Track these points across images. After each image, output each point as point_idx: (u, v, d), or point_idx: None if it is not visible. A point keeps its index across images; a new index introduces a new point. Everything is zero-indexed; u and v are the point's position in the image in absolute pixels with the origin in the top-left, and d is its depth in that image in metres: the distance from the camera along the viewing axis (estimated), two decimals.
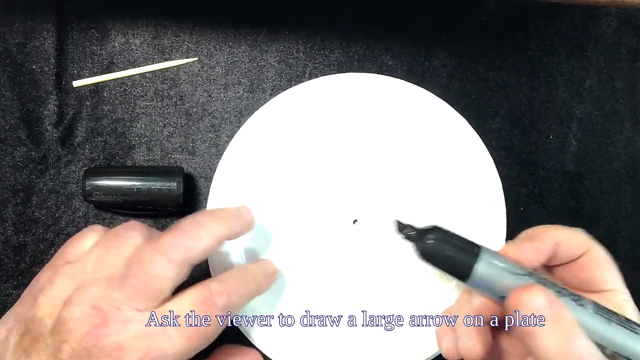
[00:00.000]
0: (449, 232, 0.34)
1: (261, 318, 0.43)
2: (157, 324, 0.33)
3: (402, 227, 0.34)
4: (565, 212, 0.48)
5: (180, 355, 0.33)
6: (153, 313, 0.33)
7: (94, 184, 0.42)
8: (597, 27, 0.49)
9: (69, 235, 0.44)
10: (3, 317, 0.36)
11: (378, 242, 0.44)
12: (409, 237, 0.34)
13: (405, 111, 0.45)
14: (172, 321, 0.33)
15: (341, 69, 0.47)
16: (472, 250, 0.32)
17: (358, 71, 0.47)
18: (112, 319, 0.32)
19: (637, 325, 0.31)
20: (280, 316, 0.44)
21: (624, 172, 0.48)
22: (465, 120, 0.44)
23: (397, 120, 0.45)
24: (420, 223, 0.43)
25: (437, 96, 0.44)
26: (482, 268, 0.32)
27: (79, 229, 0.42)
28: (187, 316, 0.33)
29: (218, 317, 0.34)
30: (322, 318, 0.44)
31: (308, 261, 0.44)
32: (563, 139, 0.48)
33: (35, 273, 0.44)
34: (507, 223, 0.44)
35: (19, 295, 0.44)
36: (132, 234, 0.35)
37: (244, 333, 0.42)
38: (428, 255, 0.33)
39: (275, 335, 0.43)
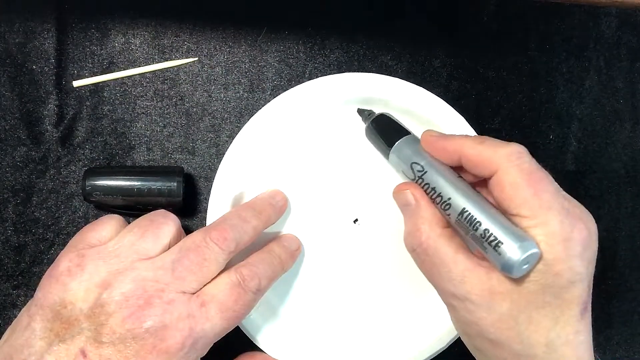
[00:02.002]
0: (390, 119, 0.39)
1: (263, 318, 0.43)
2: (198, 306, 0.34)
3: (361, 110, 0.41)
4: None
5: (217, 335, 0.36)
6: (195, 295, 0.35)
7: (94, 184, 0.42)
8: (597, 27, 0.49)
9: (69, 235, 0.44)
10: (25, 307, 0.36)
11: (379, 242, 0.44)
12: (361, 115, 0.40)
13: (405, 111, 0.45)
14: (211, 303, 0.35)
15: (341, 69, 0.47)
16: (398, 134, 0.37)
17: (358, 71, 0.47)
18: (156, 300, 0.34)
19: (490, 242, 0.31)
20: (282, 316, 0.44)
21: (624, 172, 0.48)
22: (465, 120, 0.44)
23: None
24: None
25: (437, 96, 0.44)
26: (394, 152, 0.37)
27: (78, 229, 0.42)
28: (224, 298, 0.35)
29: (250, 299, 0.37)
30: (322, 318, 0.44)
31: (309, 261, 0.44)
32: (563, 139, 0.48)
33: (35, 273, 0.44)
34: None
35: (19, 295, 0.44)
36: (166, 221, 0.37)
37: (246, 334, 0.42)
38: (367, 133, 0.39)
39: (277, 335, 0.43)
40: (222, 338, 0.36)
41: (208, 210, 0.43)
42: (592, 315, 0.34)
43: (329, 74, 0.46)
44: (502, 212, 0.32)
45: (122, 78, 0.46)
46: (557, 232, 0.30)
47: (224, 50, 0.46)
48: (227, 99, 0.46)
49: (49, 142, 0.45)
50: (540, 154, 0.48)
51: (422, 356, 0.43)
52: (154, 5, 0.46)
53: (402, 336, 0.44)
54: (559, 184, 0.47)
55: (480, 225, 0.31)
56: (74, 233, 0.39)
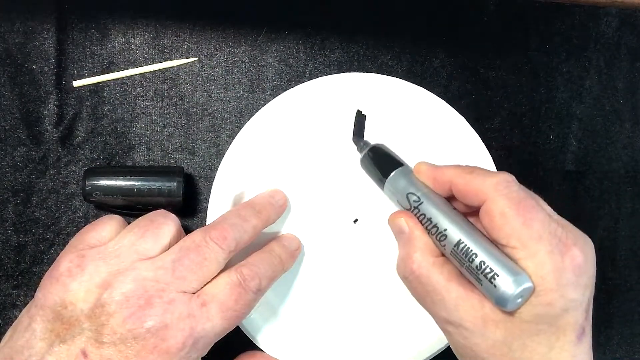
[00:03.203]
0: (384, 151, 0.39)
1: (263, 318, 0.43)
2: (199, 305, 0.34)
3: (356, 140, 0.42)
4: (565, 212, 0.48)
5: (218, 335, 0.36)
6: (195, 295, 0.35)
7: (94, 184, 0.42)
8: (597, 27, 0.49)
9: (69, 235, 0.44)
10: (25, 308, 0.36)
11: (379, 242, 0.44)
12: (357, 145, 0.41)
13: (405, 111, 0.45)
14: (212, 303, 0.35)
15: (341, 69, 0.47)
16: (393, 165, 0.37)
17: (358, 71, 0.47)
18: (156, 300, 0.34)
19: (486, 275, 0.31)
20: (282, 316, 0.44)
21: (624, 172, 0.48)
22: (465, 120, 0.44)
23: (397, 120, 0.45)
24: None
25: (437, 96, 0.44)
26: (388, 184, 0.37)
27: (78, 229, 0.42)
28: (224, 298, 0.35)
29: (251, 299, 0.36)
30: (322, 318, 0.44)
31: (309, 261, 0.44)
32: (563, 139, 0.48)
33: (36, 273, 0.44)
34: None
35: (19, 295, 0.44)
36: (166, 221, 0.37)
37: (246, 334, 0.42)
38: (362, 163, 0.40)
39: (277, 335, 0.43)
40: (222, 338, 0.36)
41: (208, 210, 0.43)
42: (592, 315, 0.34)
43: (329, 74, 0.46)
44: (493, 243, 0.32)
45: (122, 78, 0.46)
46: (547, 263, 0.30)
47: (224, 50, 0.46)
48: (227, 99, 0.46)
49: (49, 142, 0.45)
50: (540, 154, 0.48)
51: (422, 356, 0.43)
52: (154, 5, 0.46)
53: (402, 336, 0.44)
54: (559, 184, 0.48)
55: (475, 257, 0.32)
56: (74, 233, 0.39)
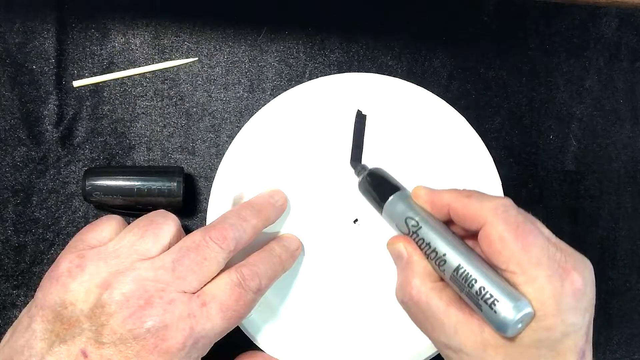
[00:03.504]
0: (382, 175, 0.39)
1: (263, 318, 0.43)
2: (199, 305, 0.34)
3: (354, 164, 0.43)
4: (565, 212, 0.48)
5: (218, 335, 0.36)
6: (195, 294, 0.35)
7: (94, 184, 0.42)
8: (597, 27, 0.49)
9: (69, 235, 0.44)
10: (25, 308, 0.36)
11: (379, 242, 0.44)
12: (354, 169, 0.41)
13: (405, 111, 0.45)
14: (212, 303, 0.35)
15: (341, 69, 0.47)
16: (389, 191, 0.37)
17: (358, 71, 0.47)
18: (156, 300, 0.34)
19: (486, 300, 0.31)
20: (282, 316, 0.44)
21: (624, 172, 0.48)
22: (465, 120, 0.44)
23: (397, 120, 0.45)
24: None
25: (437, 96, 0.44)
26: (386, 208, 0.37)
27: (78, 229, 0.42)
28: (224, 298, 0.35)
29: (251, 299, 0.36)
30: (323, 318, 0.44)
31: (309, 261, 0.44)
32: (563, 139, 0.48)
33: (36, 273, 0.44)
34: None
35: (19, 295, 0.44)
36: (166, 221, 0.37)
37: (246, 334, 0.42)
38: (360, 187, 0.40)
39: (277, 335, 0.43)
40: (222, 338, 0.36)
41: (208, 210, 0.43)
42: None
43: (329, 74, 0.46)
44: (493, 268, 0.32)
45: (122, 78, 0.46)
46: (547, 288, 0.30)
47: (224, 50, 0.46)
48: (227, 99, 0.46)
49: (49, 142, 0.45)
50: (540, 154, 0.48)
51: (422, 356, 0.43)
52: (154, 5, 0.46)
53: (401, 336, 0.44)
54: (559, 184, 0.48)
55: (475, 282, 0.31)
56: (74, 233, 0.39)
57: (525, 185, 0.47)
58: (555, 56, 0.48)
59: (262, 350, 0.43)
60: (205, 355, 0.36)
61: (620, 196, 0.48)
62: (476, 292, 0.31)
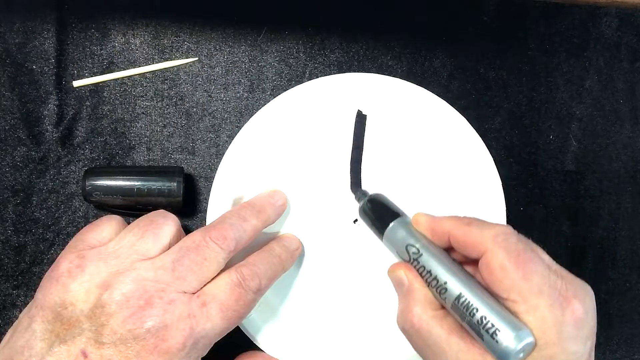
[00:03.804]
0: (382, 201, 0.39)
1: (263, 318, 0.43)
2: (199, 305, 0.34)
3: (355, 189, 0.43)
4: (565, 212, 0.48)
5: (218, 335, 0.36)
6: (195, 295, 0.35)
7: (94, 184, 0.42)
8: (597, 27, 0.49)
9: (69, 235, 0.44)
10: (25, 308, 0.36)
11: (378, 242, 0.44)
12: (355, 194, 0.41)
13: (405, 111, 0.45)
14: (212, 303, 0.35)
15: (341, 69, 0.47)
16: (390, 217, 0.37)
17: (358, 71, 0.47)
18: (156, 300, 0.34)
19: (487, 330, 0.31)
20: (282, 316, 0.44)
21: (624, 172, 0.48)
22: (465, 120, 0.44)
23: (397, 120, 0.45)
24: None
25: (437, 96, 0.44)
26: (387, 235, 0.37)
27: (78, 229, 0.42)
28: (224, 298, 0.35)
29: (251, 299, 0.36)
30: (323, 318, 0.44)
31: (309, 261, 0.44)
32: (563, 139, 0.48)
33: (36, 273, 0.44)
34: (507, 223, 0.44)
35: (19, 295, 0.44)
36: (166, 221, 0.37)
37: (246, 334, 0.42)
38: (360, 213, 0.40)
39: (277, 335, 0.43)
40: (222, 338, 0.36)
41: (208, 210, 0.43)
42: None
43: (329, 74, 0.46)
44: (494, 296, 0.32)
45: (122, 78, 0.46)
46: (548, 317, 0.30)
47: (224, 50, 0.46)
48: (227, 99, 0.46)
49: (49, 142, 0.45)
50: (540, 154, 0.48)
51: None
52: (154, 5, 0.46)
53: (402, 336, 0.44)
54: (559, 184, 0.48)
55: (477, 311, 0.31)
56: (74, 233, 0.39)
57: (525, 185, 0.47)
58: (555, 56, 0.48)
59: (262, 350, 0.43)
60: (205, 355, 0.36)
61: (620, 196, 0.48)
62: (477, 321, 0.31)
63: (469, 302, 0.32)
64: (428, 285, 0.34)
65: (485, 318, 0.31)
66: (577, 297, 0.31)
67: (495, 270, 0.31)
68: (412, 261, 0.35)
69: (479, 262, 0.33)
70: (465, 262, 0.35)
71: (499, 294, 0.32)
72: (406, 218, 0.37)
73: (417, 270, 0.35)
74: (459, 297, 0.32)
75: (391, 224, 0.37)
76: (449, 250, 0.35)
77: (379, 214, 0.38)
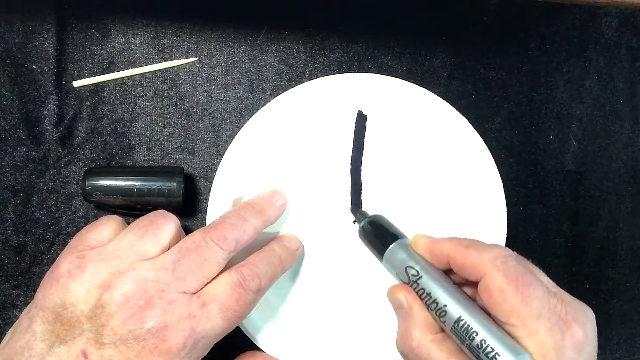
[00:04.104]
0: (381, 223, 0.39)
1: (263, 318, 0.43)
2: (199, 306, 0.34)
3: (354, 210, 0.43)
4: (565, 212, 0.48)
5: (218, 335, 0.36)
6: (195, 295, 0.35)
7: (94, 184, 0.42)
8: (597, 27, 0.49)
9: (69, 235, 0.44)
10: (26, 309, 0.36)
11: None
12: (355, 215, 0.42)
13: (405, 111, 0.45)
14: (212, 303, 0.35)
15: (341, 69, 0.47)
16: (389, 239, 0.37)
17: (358, 71, 0.47)
18: (157, 301, 0.34)
19: (487, 354, 0.31)
20: (282, 316, 0.44)
21: (624, 172, 0.48)
22: (466, 119, 0.44)
23: (397, 120, 0.45)
24: (421, 223, 0.43)
25: (437, 96, 0.44)
26: (386, 257, 0.37)
27: (78, 229, 0.42)
28: (224, 298, 0.35)
29: (251, 299, 0.36)
30: (323, 318, 0.44)
31: (309, 261, 0.44)
32: (563, 139, 0.48)
33: (36, 273, 0.44)
34: (507, 223, 0.44)
35: (19, 295, 0.44)
36: (166, 221, 0.37)
37: (246, 334, 0.42)
38: (360, 235, 0.40)
39: (277, 335, 0.43)
40: (222, 338, 0.36)
41: (208, 210, 0.43)
42: None
43: (329, 74, 0.46)
44: (493, 319, 0.32)
45: (122, 78, 0.46)
46: (548, 341, 0.30)
47: (224, 50, 0.46)
48: (227, 99, 0.46)
49: (49, 142, 0.45)
50: (540, 154, 0.48)
51: None
52: (154, 5, 0.46)
53: None
54: (559, 184, 0.48)
55: (476, 335, 0.31)
56: (74, 233, 0.39)
57: (525, 185, 0.47)
58: (555, 56, 0.48)
59: (262, 350, 0.43)
60: (206, 356, 0.36)
61: (620, 196, 0.48)
62: (477, 345, 0.31)
63: (468, 325, 0.32)
64: (427, 308, 0.34)
65: (485, 342, 0.31)
66: (576, 320, 0.31)
67: (494, 294, 0.31)
68: (412, 283, 0.35)
69: (478, 285, 0.33)
70: (465, 284, 0.35)
71: (499, 317, 0.32)
72: (405, 240, 0.37)
73: (417, 293, 0.35)
74: (458, 320, 0.32)
75: (390, 246, 0.37)
76: (448, 272, 0.35)
77: (379, 235, 0.38)
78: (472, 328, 0.32)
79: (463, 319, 0.32)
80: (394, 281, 0.44)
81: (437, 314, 0.33)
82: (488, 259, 0.32)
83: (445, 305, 0.33)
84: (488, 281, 0.32)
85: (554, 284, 0.33)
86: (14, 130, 0.45)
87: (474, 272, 0.33)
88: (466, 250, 0.33)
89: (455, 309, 0.33)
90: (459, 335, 0.32)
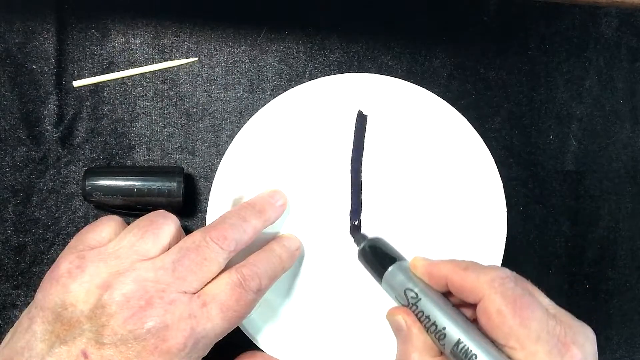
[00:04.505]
0: (380, 246, 0.39)
1: (263, 318, 0.43)
2: (200, 306, 0.34)
3: (354, 233, 0.43)
4: (565, 212, 0.48)
5: (218, 335, 0.36)
6: (196, 295, 0.35)
7: (94, 184, 0.42)
8: (597, 27, 0.49)
9: (69, 235, 0.44)
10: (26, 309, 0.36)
11: None
12: (354, 237, 0.42)
13: (405, 111, 0.45)
14: (212, 303, 0.35)
15: (341, 69, 0.47)
16: (388, 261, 0.38)
17: (358, 71, 0.47)
18: (157, 301, 0.34)
19: None
20: (282, 316, 0.44)
21: (624, 172, 0.48)
22: (466, 119, 0.44)
23: (397, 121, 0.45)
24: (421, 223, 0.43)
25: (437, 96, 0.44)
26: (386, 279, 0.37)
27: (78, 229, 0.42)
28: (225, 298, 0.35)
29: (251, 299, 0.36)
30: (323, 318, 0.44)
31: (309, 261, 0.44)
32: (563, 139, 0.48)
33: (36, 273, 0.44)
34: (507, 223, 0.44)
35: (19, 295, 0.44)
36: (166, 221, 0.37)
37: (246, 334, 0.42)
38: (359, 257, 0.40)
39: (277, 335, 0.43)
40: (222, 338, 0.36)
41: (208, 210, 0.43)
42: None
43: (329, 74, 0.46)
44: (493, 342, 0.32)
45: (122, 78, 0.46)
46: None
47: (224, 50, 0.46)
48: (227, 99, 0.46)
49: (49, 142, 0.45)
50: (540, 154, 0.48)
51: None
52: (154, 5, 0.46)
53: None
54: (559, 184, 0.48)
55: (476, 358, 0.31)
56: (74, 233, 0.39)
57: (525, 185, 0.47)
58: (555, 56, 0.48)
59: (262, 350, 0.43)
60: (206, 356, 0.36)
61: (620, 196, 0.48)
62: None
63: (467, 348, 0.32)
64: (427, 331, 0.34)
65: None
66: (575, 342, 0.31)
67: (493, 316, 0.31)
68: (411, 306, 0.35)
69: (477, 307, 0.33)
70: (464, 305, 0.35)
71: (498, 340, 0.32)
72: (404, 262, 0.37)
73: (416, 315, 0.35)
74: (457, 342, 0.32)
75: (389, 269, 0.37)
76: (447, 294, 0.35)
77: (378, 258, 0.39)
78: (471, 351, 0.32)
79: (462, 342, 0.32)
80: None
81: (437, 336, 0.33)
82: (486, 281, 0.32)
83: (444, 328, 0.33)
84: (486, 303, 0.32)
85: (554, 305, 0.33)
86: (14, 130, 0.45)
87: (472, 294, 0.33)
88: (464, 273, 0.33)
89: (455, 331, 0.33)
90: (459, 357, 0.32)
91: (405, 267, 0.37)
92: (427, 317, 0.34)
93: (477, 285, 0.32)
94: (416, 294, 0.35)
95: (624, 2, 0.47)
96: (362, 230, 0.44)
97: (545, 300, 0.33)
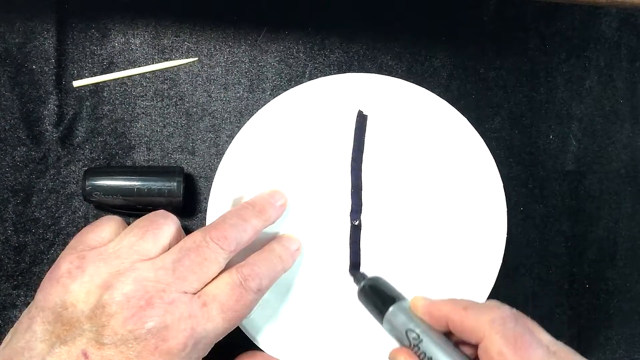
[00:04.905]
0: (380, 286, 0.38)
1: (263, 318, 0.43)
2: (200, 306, 0.34)
3: (354, 272, 0.44)
4: (565, 212, 0.48)
5: (218, 336, 0.36)
6: (196, 295, 0.35)
7: (94, 184, 0.42)
8: (597, 27, 0.49)
9: (69, 235, 0.44)
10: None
11: (378, 243, 0.44)
12: (354, 277, 0.40)
13: (405, 111, 0.45)
14: (213, 303, 0.35)
15: (341, 69, 0.47)
16: (389, 301, 0.37)
17: (358, 71, 0.47)
18: (157, 301, 0.34)
19: None
20: (282, 316, 0.44)
21: (624, 172, 0.48)
22: (466, 119, 0.44)
23: (397, 120, 0.45)
24: (421, 223, 0.43)
25: (437, 96, 0.44)
26: (387, 319, 0.36)
27: (78, 229, 0.42)
28: (225, 298, 0.35)
29: (251, 299, 0.36)
30: (323, 318, 0.44)
31: (309, 261, 0.44)
32: (563, 139, 0.48)
33: (36, 273, 0.44)
34: (507, 223, 0.44)
35: (19, 295, 0.44)
36: (166, 221, 0.37)
37: (246, 334, 0.42)
38: (360, 296, 0.39)
39: (277, 335, 0.43)
40: (222, 338, 0.36)
41: (208, 210, 0.43)
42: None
43: (329, 74, 0.46)
44: None
45: (122, 78, 0.46)
46: None
47: (224, 50, 0.46)
48: (227, 99, 0.46)
49: (49, 142, 0.45)
50: (540, 154, 0.48)
51: None
52: (154, 5, 0.46)
53: None
54: (559, 184, 0.48)
55: None
56: (74, 233, 0.39)
57: (525, 185, 0.47)
58: (555, 56, 0.48)
59: (262, 350, 0.43)
60: (206, 356, 0.36)
61: (620, 196, 0.48)
62: None
63: None
64: None
65: None
66: None
67: (494, 357, 0.31)
68: (413, 347, 0.35)
69: (478, 348, 0.32)
70: (465, 344, 0.34)
71: None
72: (404, 302, 0.37)
73: (418, 357, 0.34)
74: None
75: (390, 309, 0.37)
76: (448, 333, 0.35)
77: (378, 298, 0.38)
78: None
79: None
80: (392, 278, 0.44)
81: None
82: (486, 322, 0.32)
83: None
84: (487, 344, 0.32)
85: (554, 341, 0.33)
86: (14, 130, 0.45)
87: (473, 334, 0.32)
88: (464, 312, 0.33)
89: None
90: None
91: (406, 307, 0.36)
92: (430, 358, 0.34)
93: (478, 325, 0.32)
94: (418, 334, 0.35)
95: (624, 2, 0.47)
96: (362, 233, 0.44)
97: (546, 338, 0.33)
